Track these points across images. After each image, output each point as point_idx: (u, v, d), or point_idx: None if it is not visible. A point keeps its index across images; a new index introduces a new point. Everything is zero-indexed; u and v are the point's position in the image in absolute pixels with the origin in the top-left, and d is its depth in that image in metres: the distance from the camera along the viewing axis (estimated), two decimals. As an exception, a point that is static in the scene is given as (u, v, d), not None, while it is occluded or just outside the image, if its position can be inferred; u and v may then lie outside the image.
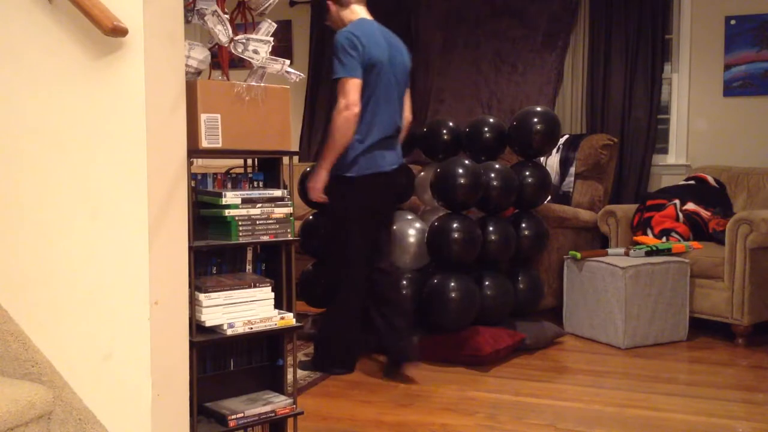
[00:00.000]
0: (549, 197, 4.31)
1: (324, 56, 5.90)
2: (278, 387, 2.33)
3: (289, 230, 2.22)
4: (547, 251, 4.26)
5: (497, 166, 3.76)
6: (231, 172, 2.25)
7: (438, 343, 3.59)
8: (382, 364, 3.50)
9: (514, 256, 3.90)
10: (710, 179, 4.61)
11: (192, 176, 2.03)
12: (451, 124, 4.08)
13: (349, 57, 3.08)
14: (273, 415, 2.21)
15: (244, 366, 2.30)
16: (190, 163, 1.96)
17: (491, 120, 4.03)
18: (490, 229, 3.73)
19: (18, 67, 1.88)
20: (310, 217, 4.01)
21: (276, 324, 2.17)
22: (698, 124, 5.02)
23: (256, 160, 2.35)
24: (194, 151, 2.01)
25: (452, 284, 3.57)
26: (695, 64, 5.00)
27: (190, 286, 1.97)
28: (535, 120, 3.87)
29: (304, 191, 3.89)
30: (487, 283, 3.73)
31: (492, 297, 3.72)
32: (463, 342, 3.54)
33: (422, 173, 4.13)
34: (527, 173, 3.89)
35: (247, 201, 2.13)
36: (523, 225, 3.89)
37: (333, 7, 3.33)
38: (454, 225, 3.59)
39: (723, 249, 3.94)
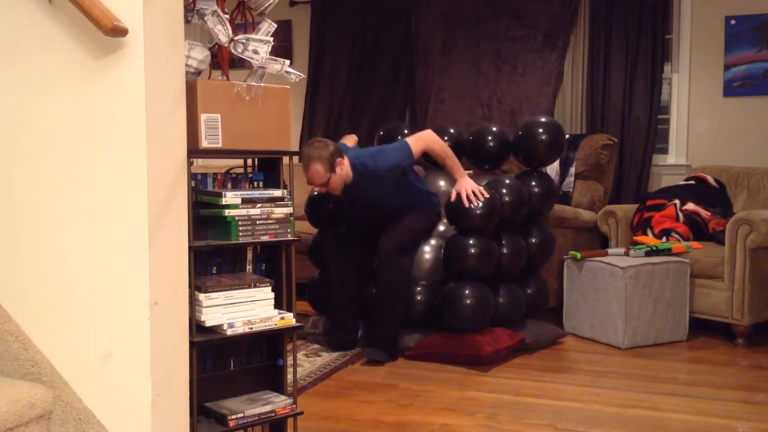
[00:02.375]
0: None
1: (324, 56, 5.90)
2: (278, 387, 2.33)
3: (289, 230, 2.22)
4: (547, 251, 4.27)
5: (508, 181, 3.80)
6: (231, 172, 2.25)
7: (438, 344, 3.59)
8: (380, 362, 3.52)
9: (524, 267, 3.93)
10: (710, 179, 4.61)
11: (192, 176, 2.03)
12: (452, 130, 4.11)
13: (390, 145, 3.74)
14: (273, 415, 2.21)
15: (244, 366, 2.29)
16: (190, 163, 1.96)
17: (494, 129, 4.08)
18: (503, 242, 3.75)
19: (18, 67, 1.88)
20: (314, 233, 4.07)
21: (276, 324, 2.16)
22: (698, 124, 5.02)
23: (256, 160, 2.35)
24: (194, 151, 2.01)
25: (467, 291, 3.57)
26: (695, 64, 5.00)
27: (190, 286, 1.97)
28: (540, 130, 3.90)
29: (312, 214, 4.02)
30: (501, 291, 3.75)
31: (505, 305, 3.74)
32: (463, 342, 3.54)
33: (422, 174, 4.15)
34: (533, 183, 3.93)
35: (247, 201, 2.13)
36: (531, 233, 3.91)
37: (344, 162, 3.49)
38: (471, 241, 3.59)
39: (723, 249, 3.93)
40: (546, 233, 3.97)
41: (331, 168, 3.42)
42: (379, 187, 3.64)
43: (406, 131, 4.19)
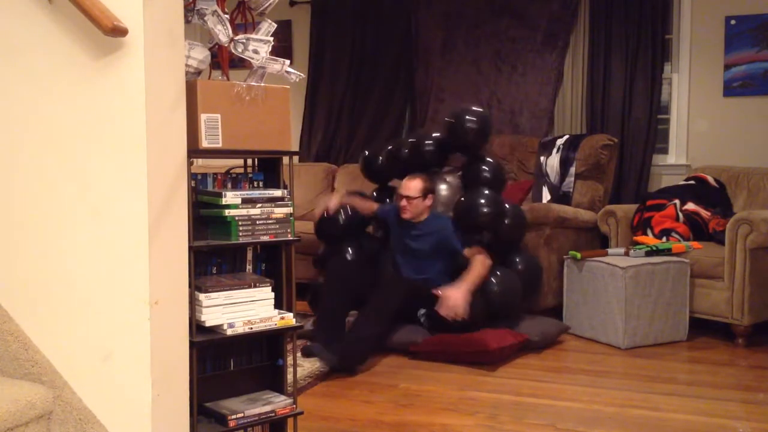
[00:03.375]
0: (540, 194, 4.40)
1: (324, 56, 5.90)
2: (278, 387, 2.33)
3: (289, 230, 2.22)
4: (547, 251, 4.27)
5: (486, 192, 3.90)
6: (231, 172, 2.25)
7: (444, 341, 3.59)
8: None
9: (503, 245, 4.01)
10: (710, 179, 4.61)
11: (192, 176, 2.03)
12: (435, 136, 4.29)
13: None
14: (273, 415, 2.21)
15: (244, 366, 2.29)
16: (190, 163, 1.96)
17: (433, 134, 4.28)
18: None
19: (18, 67, 1.88)
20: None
21: (276, 324, 2.17)
22: (698, 124, 5.02)
23: (256, 160, 2.35)
24: (194, 151, 2.01)
25: None
26: (695, 64, 5.00)
27: (190, 286, 1.97)
28: (467, 117, 4.06)
29: (321, 228, 4.23)
30: (496, 279, 3.78)
31: (500, 293, 3.77)
32: (468, 340, 3.53)
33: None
34: (483, 167, 4.09)
35: (247, 201, 2.13)
36: (505, 212, 3.97)
37: (432, 202, 3.93)
38: None
39: (723, 249, 3.93)
40: (516, 210, 4.04)
41: (425, 194, 3.88)
42: (425, 244, 3.87)
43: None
